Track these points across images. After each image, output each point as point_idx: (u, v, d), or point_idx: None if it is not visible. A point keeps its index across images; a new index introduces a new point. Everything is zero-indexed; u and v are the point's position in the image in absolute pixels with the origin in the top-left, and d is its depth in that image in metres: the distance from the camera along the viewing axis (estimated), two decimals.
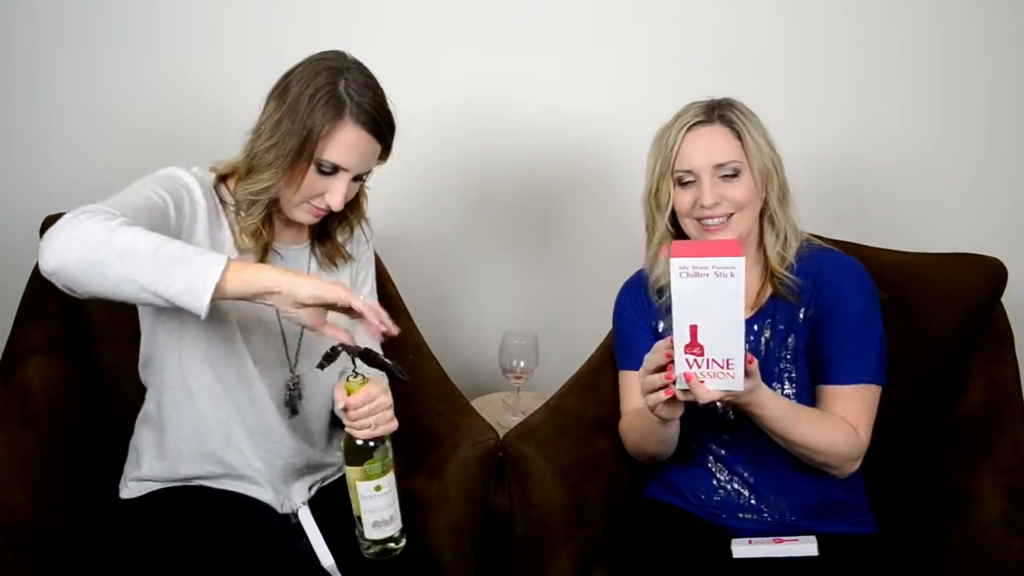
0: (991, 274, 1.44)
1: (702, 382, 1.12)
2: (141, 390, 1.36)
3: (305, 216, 1.25)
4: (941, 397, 1.46)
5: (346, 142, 1.19)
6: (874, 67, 1.85)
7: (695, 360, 1.11)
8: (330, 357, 1.14)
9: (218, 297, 1.04)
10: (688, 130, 1.31)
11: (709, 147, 1.30)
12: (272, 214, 1.27)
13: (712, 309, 1.07)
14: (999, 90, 1.83)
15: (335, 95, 1.18)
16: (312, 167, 1.19)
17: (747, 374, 1.12)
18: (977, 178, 1.88)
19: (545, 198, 2.00)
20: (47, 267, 1.02)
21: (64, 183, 1.90)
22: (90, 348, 1.50)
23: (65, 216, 1.04)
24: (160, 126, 1.89)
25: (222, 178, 1.27)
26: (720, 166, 1.30)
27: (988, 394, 1.41)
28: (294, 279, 1.07)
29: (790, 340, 1.33)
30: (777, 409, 1.22)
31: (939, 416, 1.45)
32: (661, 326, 1.42)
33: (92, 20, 1.84)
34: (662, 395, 1.17)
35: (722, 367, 1.11)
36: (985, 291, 1.45)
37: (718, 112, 1.32)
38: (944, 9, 1.81)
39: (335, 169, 1.21)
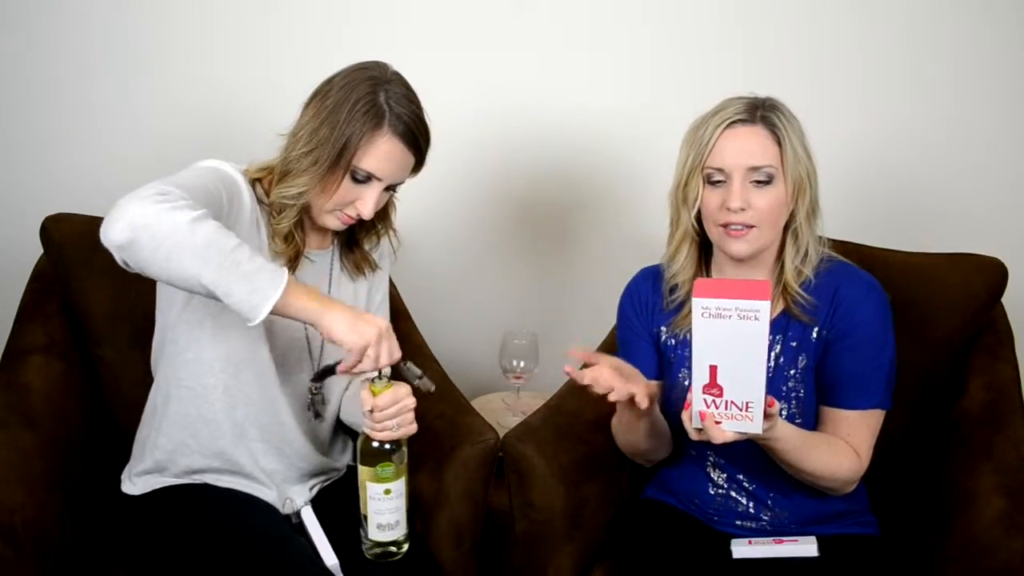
0: (991, 274, 1.44)
1: (718, 423, 1.10)
2: (141, 389, 1.36)
3: (334, 223, 1.26)
4: (941, 397, 1.46)
5: (383, 152, 1.20)
6: (879, 68, 1.85)
7: (713, 401, 1.08)
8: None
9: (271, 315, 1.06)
10: (727, 127, 1.24)
11: (746, 148, 1.23)
12: (302, 219, 1.28)
13: (734, 351, 1.05)
14: (1000, 90, 1.83)
15: (375, 105, 1.19)
16: (347, 175, 1.21)
17: (766, 416, 1.09)
18: (978, 178, 1.88)
19: (546, 198, 2.00)
20: (118, 238, 1.00)
21: (64, 183, 1.90)
22: (90, 348, 1.50)
23: (140, 190, 1.03)
24: (162, 126, 1.89)
25: (254, 180, 1.27)
26: (754, 169, 1.23)
27: (988, 394, 1.41)
28: (333, 318, 1.09)
29: (801, 360, 1.29)
30: (790, 443, 1.19)
31: (939, 416, 1.45)
32: (664, 332, 1.38)
33: (91, 20, 1.84)
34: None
35: (740, 409, 1.08)
36: (985, 291, 1.44)
37: (761, 113, 1.24)
38: (948, 11, 1.80)
39: (368, 178, 1.22)
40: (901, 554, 1.32)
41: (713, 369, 1.07)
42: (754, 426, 1.09)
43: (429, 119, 1.26)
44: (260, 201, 1.26)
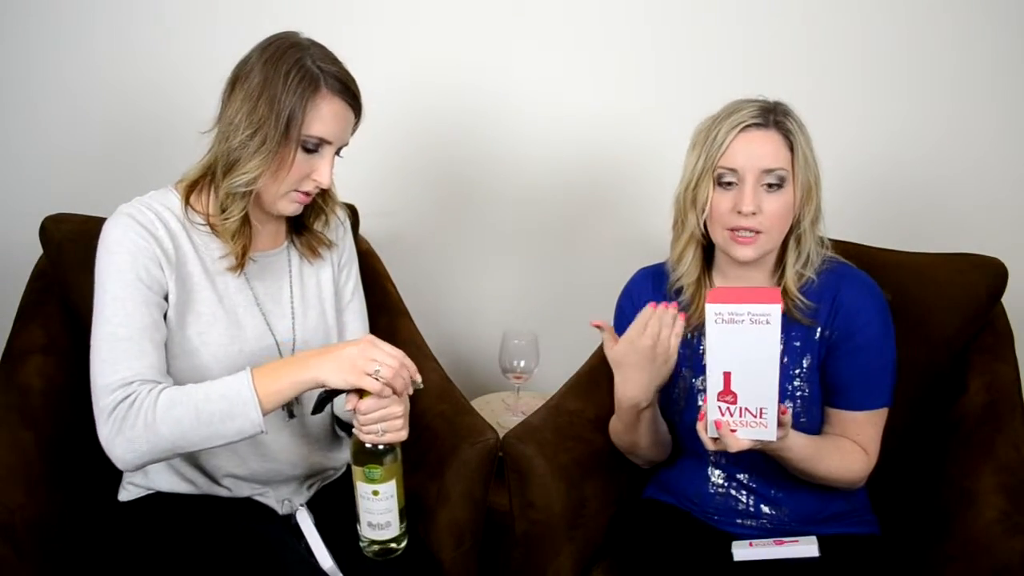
0: (991, 274, 1.44)
1: (733, 431, 1.11)
2: None
3: (290, 206, 1.23)
4: (941, 397, 1.46)
5: (328, 114, 1.18)
6: (879, 68, 1.85)
7: (727, 408, 1.10)
8: (325, 401, 1.17)
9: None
10: (741, 130, 1.24)
11: (760, 151, 1.24)
12: (248, 218, 1.23)
13: (747, 357, 1.07)
14: (1000, 90, 1.83)
15: (307, 70, 1.17)
16: (298, 147, 1.18)
17: (780, 424, 1.11)
18: (978, 178, 1.88)
19: (546, 198, 2.00)
20: (129, 468, 1.14)
21: (64, 183, 1.90)
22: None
23: (101, 416, 1.11)
24: (160, 125, 1.89)
25: (190, 190, 1.24)
26: (767, 172, 1.23)
27: (988, 394, 1.41)
28: (322, 371, 1.12)
29: (805, 360, 1.30)
30: (802, 451, 1.21)
31: (939, 416, 1.45)
32: None
33: (88, 19, 1.84)
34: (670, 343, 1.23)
35: (755, 416, 1.10)
36: (985, 291, 1.45)
37: (774, 117, 1.25)
38: (948, 11, 1.80)
39: (319, 145, 1.20)
40: (901, 554, 1.32)
41: (727, 376, 1.09)
42: (768, 433, 1.11)
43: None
44: (192, 222, 1.23)
